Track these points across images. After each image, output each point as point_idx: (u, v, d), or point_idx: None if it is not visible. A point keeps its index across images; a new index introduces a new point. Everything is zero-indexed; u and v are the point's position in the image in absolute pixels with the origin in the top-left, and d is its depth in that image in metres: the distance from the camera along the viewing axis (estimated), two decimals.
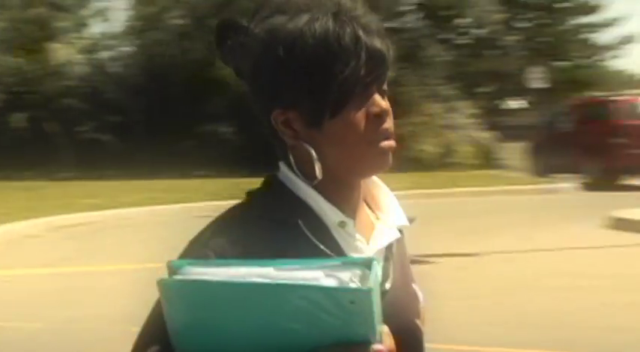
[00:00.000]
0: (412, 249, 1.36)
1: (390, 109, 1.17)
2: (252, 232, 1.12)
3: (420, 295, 1.26)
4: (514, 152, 22.41)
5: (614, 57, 35.02)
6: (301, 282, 0.96)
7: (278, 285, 0.96)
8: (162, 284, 0.98)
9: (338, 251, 1.13)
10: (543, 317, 6.65)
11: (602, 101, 19.43)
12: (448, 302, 6.45)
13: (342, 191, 1.18)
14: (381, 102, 1.16)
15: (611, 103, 18.65)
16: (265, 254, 1.05)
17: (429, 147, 23.43)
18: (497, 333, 6.28)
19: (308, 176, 1.15)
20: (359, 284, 0.97)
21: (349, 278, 0.97)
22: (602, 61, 34.91)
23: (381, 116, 1.15)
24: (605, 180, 17.22)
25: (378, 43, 1.14)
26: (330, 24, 1.13)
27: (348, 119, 1.13)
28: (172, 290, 0.99)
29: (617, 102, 18.65)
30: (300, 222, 1.13)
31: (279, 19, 1.15)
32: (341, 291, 0.96)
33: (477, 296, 7.48)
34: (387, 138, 1.16)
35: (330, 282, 0.96)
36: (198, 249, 1.10)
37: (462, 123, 24.45)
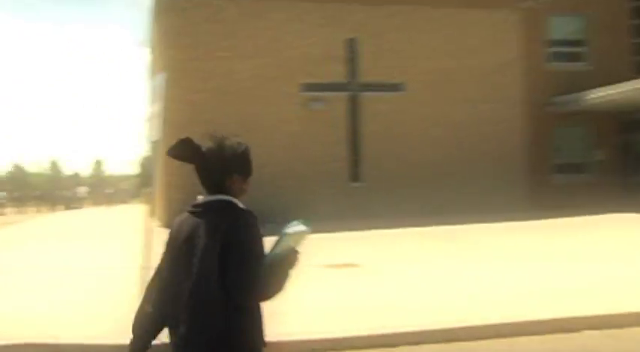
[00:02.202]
0: None
1: None
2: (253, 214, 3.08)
3: None
4: None
5: None
6: (295, 229, 2.96)
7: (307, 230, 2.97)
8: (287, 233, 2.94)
9: None
10: None
11: None
12: None
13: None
14: None
15: None
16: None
17: None
18: None
19: (237, 197, 3.17)
20: (304, 229, 2.95)
21: (300, 227, 2.95)
22: None
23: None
24: None
25: None
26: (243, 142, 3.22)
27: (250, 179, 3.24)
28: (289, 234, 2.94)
29: None
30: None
31: (230, 141, 3.16)
32: (306, 231, 2.97)
33: None
34: None
35: (299, 229, 2.95)
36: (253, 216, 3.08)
37: None
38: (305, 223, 3.00)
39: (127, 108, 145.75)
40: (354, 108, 23.92)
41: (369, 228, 17.98)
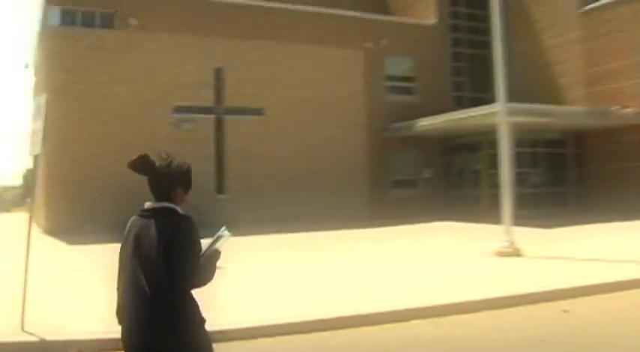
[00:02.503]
0: None
1: None
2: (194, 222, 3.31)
3: None
4: None
5: None
6: (223, 233, 3.40)
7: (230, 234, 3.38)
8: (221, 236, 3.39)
9: None
10: None
11: None
12: None
13: None
14: None
15: None
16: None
17: None
18: None
19: (179, 206, 3.36)
20: (228, 234, 3.39)
21: (227, 232, 3.41)
22: None
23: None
24: None
25: None
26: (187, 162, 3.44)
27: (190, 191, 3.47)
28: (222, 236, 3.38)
29: None
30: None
31: (177, 161, 3.38)
32: (228, 235, 3.39)
33: None
34: None
35: (226, 233, 3.40)
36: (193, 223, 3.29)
37: None
38: (229, 229, 3.42)
39: (12, 123, 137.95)
40: (219, 129, 23.83)
41: (233, 234, 17.96)
